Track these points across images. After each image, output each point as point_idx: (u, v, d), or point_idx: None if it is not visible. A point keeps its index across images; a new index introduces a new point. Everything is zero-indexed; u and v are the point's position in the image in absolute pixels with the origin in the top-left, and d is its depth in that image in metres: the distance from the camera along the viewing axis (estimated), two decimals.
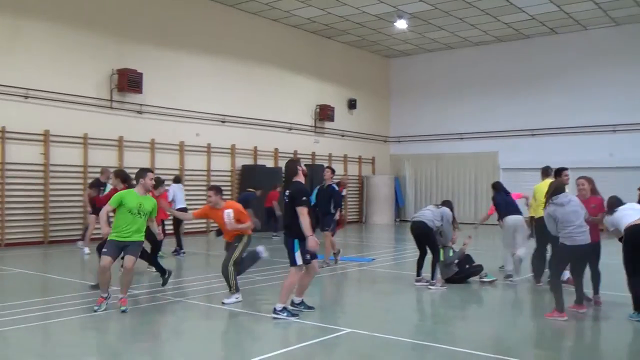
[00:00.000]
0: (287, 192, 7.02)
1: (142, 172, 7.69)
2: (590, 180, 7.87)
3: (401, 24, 20.53)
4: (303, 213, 6.77)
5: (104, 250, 7.46)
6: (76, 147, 15.48)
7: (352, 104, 24.51)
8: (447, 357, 5.61)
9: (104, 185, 13.33)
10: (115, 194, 7.61)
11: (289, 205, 6.92)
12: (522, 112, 23.15)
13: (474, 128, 24.30)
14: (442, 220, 9.40)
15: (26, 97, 14.51)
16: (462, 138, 24.66)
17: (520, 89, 23.24)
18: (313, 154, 22.65)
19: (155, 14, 17.38)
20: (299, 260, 6.90)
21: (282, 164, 20.97)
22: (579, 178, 7.92)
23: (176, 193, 13.72)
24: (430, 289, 9.04)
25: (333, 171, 11.86)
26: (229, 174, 19.48)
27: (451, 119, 24.82)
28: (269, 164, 20.63)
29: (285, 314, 6.92)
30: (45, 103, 14.87)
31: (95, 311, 7.14)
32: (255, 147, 20.29)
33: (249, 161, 20.10)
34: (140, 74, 16.37)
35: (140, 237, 7.55)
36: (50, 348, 5.97)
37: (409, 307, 8.23)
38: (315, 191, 11.83)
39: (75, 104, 15.43)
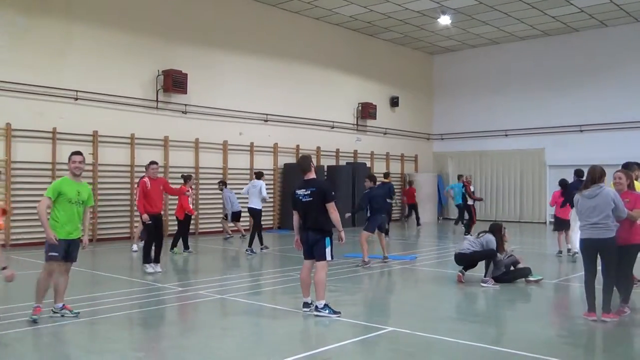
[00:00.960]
0: (305, 190, 7.14)
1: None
2: (628, 175, 7.57)
3: (445, 20, 20.31)
4: (334, 209, 7.04)
5: (54, 254, 6.61)
6: (123, 147, 15.87)
7: (394, 102, 24.37)
8: (490, 357, 5.55)
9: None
10: (53, 183, 6.85)
11: (315, 203, 7.04)
12: (569, 108, 22.59)
13: (520, 124, 23.84)
14: (483, 246, 9.41)
15: (76, 99, 14.97)
16: (507, 135, 24.22)
17: (568, 84, 22.68)
18: (355, 152, 22.62)
19: (198, 15, 17.66)
20: (329, 256, 7.10)
21: (324, 162, 21.06)
22: (617, 171, 7.62)
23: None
24: (482, 286, 9.13)
25: (374, 180, 12.21)
26: (272, 172, 19.65)
27: (496, 116, 24.42)
28: None
29: (327, 311, 6.99)
30: (94, 104, 15.31)
31: (35, 321, 6.49)
32: (298, 146, 20.41)
33: (291, 160, 20.23)
34: (185, 75, 16.68)
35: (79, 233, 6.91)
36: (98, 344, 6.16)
37: (453, 306, 8.16)
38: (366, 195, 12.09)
39: (122, 105, 15.83)
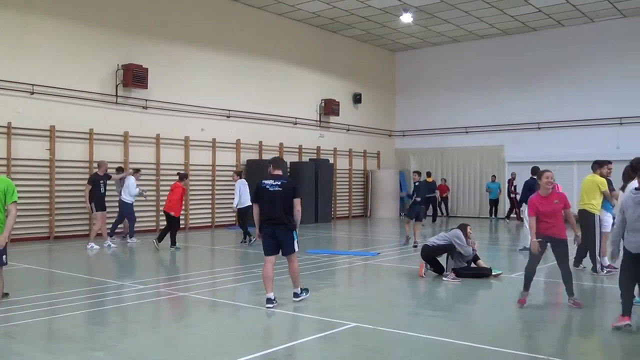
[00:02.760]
0: (274, 181, 7.46)
1: None
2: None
3: (407, 18, 20.46)
4: (300, 205, 7.47)
5: None
6: (82, 143, 15.52)
7: (357, 99, 24.47)
8: (454, 350, 5.62)
9: (102, 178, 13.50)
10: None
11: (283, 194, 7.36)
12: (528, 106, 23.06)
13: (480, 122, 24.22)
14: (452, 240, 9.58)
15: (32, 93, 14.55)
16: (467, 132, 24.58)
17: (527, 82, 23.14)
18: (318, 149, 22.63)
19: (160, 9, 17.37)
20: (297, 247, 7.52)
21: (287, 158, 21.01)
22: (548, 171, 7.69)
23: (241, 188, 14.11)
24: (444, 280, 9.30)
25: (419, 174, 14.78)
26: (234, 168, 19.48)
27: (457, 113, 24.75)
28: None
29: (305, 294, 7.72)
30: (51, 99, 14.92)
31: None
32: (261, 142, 20.30)
33: (254, 156, 20.11)
34: (146, 69, 16.39)
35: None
36: (56, 342, 6.01)
37: (414, 301, 8.24)
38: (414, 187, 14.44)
39: (81, 100, 15.46)
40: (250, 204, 13.80)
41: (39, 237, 14.62)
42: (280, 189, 7.38)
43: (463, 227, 9.84)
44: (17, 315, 6.77)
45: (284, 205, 7.34)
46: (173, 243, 13.32)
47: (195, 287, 8.92)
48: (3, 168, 13.93)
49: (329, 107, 22.73)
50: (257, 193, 7.49)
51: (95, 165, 14.94)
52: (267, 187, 7.44)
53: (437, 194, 22.25)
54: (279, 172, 7.64)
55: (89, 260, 11.96)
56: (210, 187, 18.79)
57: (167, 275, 10.34)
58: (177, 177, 14.15)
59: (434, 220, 21.81)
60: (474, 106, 24.37)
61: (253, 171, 19.42)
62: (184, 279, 9.75)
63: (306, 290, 7.83)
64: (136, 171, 14.64)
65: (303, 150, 21.92)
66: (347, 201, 24.02)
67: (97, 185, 13.59)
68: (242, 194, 14.12)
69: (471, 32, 23.20)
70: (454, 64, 24.89)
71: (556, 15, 20.99)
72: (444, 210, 23.99)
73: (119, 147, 16.32)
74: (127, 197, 14.11)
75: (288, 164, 20.72)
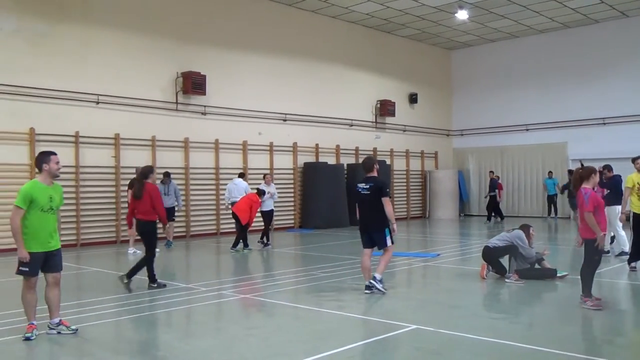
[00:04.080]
0: (365, 184, 8.22)
1: (44, 156, 6.19)
2: None
3: (462, 15, 20.14)
4: (389, 203, 8.11)
5: (24, 269, 6.03)
6: (144, 149, 15.99)
7: (413, 99, 24.25)
8: (516, 353, 5.47)
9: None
10: (22, 189, 6.07)
11: (371, 197, 8.10)
12: (592, 100, 22.26)
13: (541, 118, 23.56)
14: (514, 241, 9.31)
15: (97, 103, 15.12)
16: (527, 129, 23.96)
17: (590, 77, 22.34)
18: (374, 150, 22.54)
19: (215, 17, 17.72)
20: (390, 242, 8.24)
21: (343, 160, 21.03)
22: None
23: (232, 189, 14.47)
24: (506, 282, 9.08)
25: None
26: (291, 171, 19.66)
27: (516, 110, 24.17)
28: (331, 161, 20.69)
29: (380, 285, 8.14)
30: (115, 107, 15.45)
31: (30, 339, 6.00)
32: (317, 145, 20.39)
33: (310, 159, 20.22)
34: (204, 76, 16.75)
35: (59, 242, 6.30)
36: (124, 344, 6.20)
37: (476, 303, 8.09)
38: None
39: (143, 107, 15.96)
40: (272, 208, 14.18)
41: (107, 241, 15.15)
42: (368, 192, 8.17)
43: (525, 228, 9.54)
44: (87, 317, 7.03)
45: (374, 207, 8.11)
46: (245, 245, 13.60)
47: (256, 289, 9.05)
48: (72, 175, 14.52)
49: (385, 108, 22.61)
50: (354, 195, 8.50)
51: (158, 172, 15.32)
52: (359, 190, 8.30)
53: (497, 192, 21.75)
54: (371, 174, 8.30)
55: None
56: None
57: (229, 278, 10.52)
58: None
59: (488, 219, 21.38)
60: (534, 102, 23.72)
61: (310, 174, 19.54)
62: (246, 281, 9.91)
63: (383, 285, 8.22)
64: (165, 177, 14.46)
65: (359, 152, 21.88)
66: (405, 202, 23.81)
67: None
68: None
69: (530, 26, 22.59)
70: (512, 60, 24.31)
71: (620, 5, 20.18)
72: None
73: (180, 153, 16.73)
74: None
75: (345, 165, 20.73)
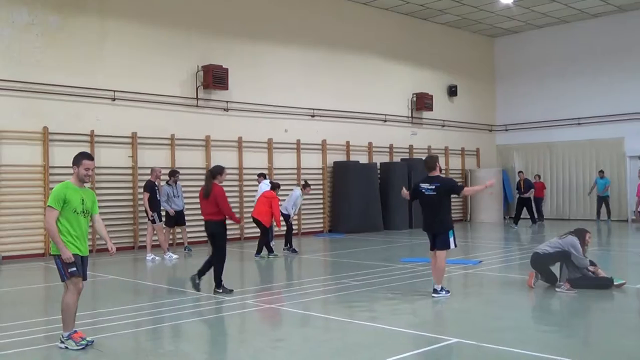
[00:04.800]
0: (429, 185, 8.65)
1: (77, 159, 6.38)
2: None
3: None
4: (470, 188, 8.82)
5: (73, 269, 6.21)
6: (163, 149, 16.19)
7: (452, 91, 24.07)
8: None
9: (156, 186, 13.87)
10: (54, 190, 6.26)
11: (438, 197, 8.55)
12: None
13: (594, 111, 23.14)
14: (567, 248, 9.08)
15: (113, 99, 15.36)
16: (579, 123, 23.57)
17: None
18: (410, 147, 22.43)
19: (237, 7, 17.84)
20: (452, 244, 8.62)
21: (377, 159, 20.96)
22: None
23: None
24: (557, 291, 8.96)
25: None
26: (320, 171, 19.68)
27: (566, 103, 23.79)
28: (363, 159, 20.65)
29: (443, 292, 8.55)
30: (132, 104, 15.68)
31: (89, 344, 6.21)
32: (348, 142, 20.38)
33: (341, 157, 20.21)
34: (226, 70, 16.88)
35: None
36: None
37: (524, 315, 7.98)
38: None
39: (161, 104, 16.16)
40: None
41: (123, 247, 15.32)
42: (434, 193, 8.59)
43: (581, 233, 9.20)
44: (105, 328, 7.14)
45: (439, 208, 8.61)
46: (270, 251, 13.77)
47: (283, 298, 9.10)
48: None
49: (422, 102, 22.49)
50: (415, 194, 8.92)
51: (182, 171, 15.51)
52: (423, 190, 8.71)
53: (532, 193, 21.31)
54: (434, 173, 8.73)
55: (168, 270, 12.43)
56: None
57: (253, 286, 10.57)
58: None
59: (533, 222, 21.07)
60: (586, 94, 23.32)
61: (341, 174, 19.53)
62: (271, 290, 9.96)
63: (447, 290, 8.66)
64: (170, 175, 14.62)
65: (394, 150, 21.80)
66: None
67: (155, 193, 13.82)
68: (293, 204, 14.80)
69: (581, 10, 22.22)
70: (562, 47, 23.94)
71: None
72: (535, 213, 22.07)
73: (200, 152, 16.88)
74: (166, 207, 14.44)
75: (378, 164, 20.68)
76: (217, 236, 9.28)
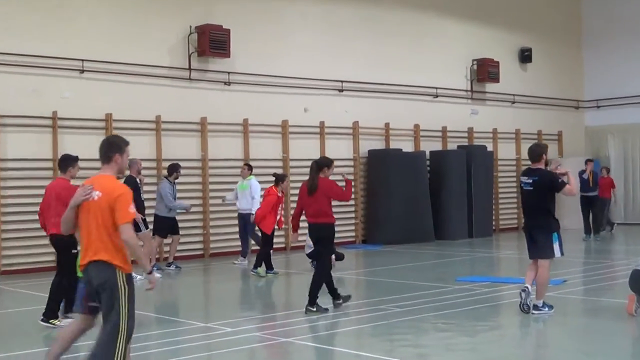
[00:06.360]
0: (527, 178, 9.25)
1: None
2: None
3: None
4: (569, 190, 9.27)
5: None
6: (147, 135, 16.26)
7: (525, 56, 23.90)
8: None
9: (138, 183, 13.69)
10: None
11: (535, 193, 9.15)
12: None
13: None
14: None
15: (81, 72, 15.44)
16: None
17: None
18: (470, 131, 22.29)
19: None
20: (558, 252, 9.22)
21: (425, 146, 20.84)
22: None
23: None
24: None
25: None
26: (351, 163, 19.63)
27: None
28: (407, 147, 20.57)
29: (546, 309, 9.12)
30: (106, 77, 15.74)
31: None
32: (387, 125, 20.31)
33: (378, 145, 20.15)
34: (227, 31, 16.87)
35: None
36: None
37: (622, 351, 7.90)
38: None
39: (143, 77, 16.22)
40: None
41: None
42: (531, 188, 9.19)
43: None
44: None
45: (537, 206, 9.20)
46: (268, 267, 13.73)
47: (302, 329, 9.09)
48: (47, 172, 14.85)
49: (484, 71, 22.33)
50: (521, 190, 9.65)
51: (165, 164, 15.60)
52: (523, 185, 9.42)
53: (597, 192, 20.60)
54: (537, 165, 9.37)
55: (150, 294, 12.49)
56: None
57: (260, 315, 10.58)
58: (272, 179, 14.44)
59: (595, 231, 19.99)
60: None
61: (378, 166, 19.44)
62: (286, 319, 9.94)
63: (550, 306, 9.21)
64: (172, 170, 14.75)
65: (448, 134, 21.68)
66: (516, 205, 23.41)
67: (138, 192, 13.09)
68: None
69: None
70: None
71: None
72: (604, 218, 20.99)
73: (194, 138, 16.91)
74: (162, 210, 14.62)
75: (427, 153, 20.57)
76: (324, 242, 10.08)
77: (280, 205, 13.97)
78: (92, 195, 5.78)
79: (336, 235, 19.06)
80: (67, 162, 9.55)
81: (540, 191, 9.19)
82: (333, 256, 13.80)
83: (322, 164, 10.15)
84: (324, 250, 10.19)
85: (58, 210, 8.35)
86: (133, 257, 5.88)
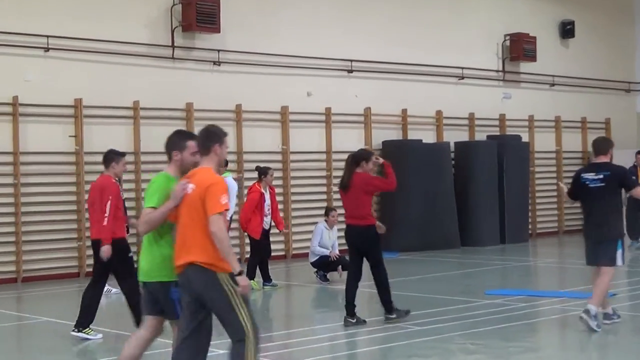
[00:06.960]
0: (595, 174, 9.27)
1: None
2: None
3: None
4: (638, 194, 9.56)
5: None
6: (122, 124, 16.27)
7: (567, 31, 23.88)
8: None
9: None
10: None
11: (607, 191, 9.20)
12: None
13: None
14: None
15: (46, 50, 15.44)
16: None
17: None
18: (502, 118, 22.26)
19: None
20: (620, 260, 9.28)
21: (449, 136, 20.80)
22: None
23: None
24: None
25: None
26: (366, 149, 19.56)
27: None
28: (428, 137, 20.58)
29: (595, 323, 9.06)
30: (75, 57, 15.75)
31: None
32: (404, 111, 20.30)
33: (394, 135, 20.14)
34: (217, 2, 16.86)
35: None
36: None
37: None
38: None
39: (117, 56, 16.20)
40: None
41: (65, 274, 15.43)
42: (602, 184, 9.20)
43: None
44: None
45: (608, 206, 9.29)
46: (266, 279, 13.80)
47: (304, 352, 9.08)
48: (8, 168, 14.85)
49: (519, 48, 22.30)
50: (575, 188, 9.60)
51: (145, 158, 15.59)
52: (586, 182, 9.35)
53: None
54: (603, 159, 9.44)
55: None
56: (325, 186, 19.01)
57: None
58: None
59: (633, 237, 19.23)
60: None
61: (394, 159, 19.30)
62: (284, 339, 9.97)
63: (617, 315, 9.57)
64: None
65: (476, 122, 21.66)
66: (556, 206, 23.39)
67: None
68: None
69: None
70: None
71: None
72: None
73: (178, 127, 16.84)
74: None
75: (451, 144, 20.52)
76: (367, 247, 10.18)
77: (267, 204, 13.83)
78: (187, 189, 6.05)
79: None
80: (109, 158, 9.82)
81: (613, 189, 9.31)
82: (340, 266, 13.86)
83: (359, 158, 10.17)
84: (374, 259, 10.27)
85: (101, 210, 9.26)
86: (221, 253, 5.94)
